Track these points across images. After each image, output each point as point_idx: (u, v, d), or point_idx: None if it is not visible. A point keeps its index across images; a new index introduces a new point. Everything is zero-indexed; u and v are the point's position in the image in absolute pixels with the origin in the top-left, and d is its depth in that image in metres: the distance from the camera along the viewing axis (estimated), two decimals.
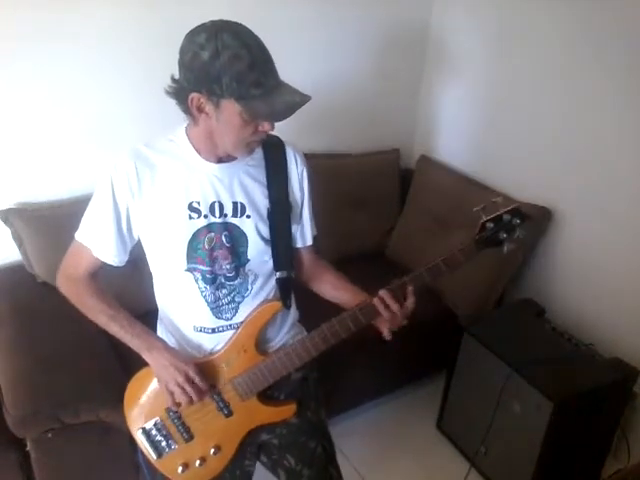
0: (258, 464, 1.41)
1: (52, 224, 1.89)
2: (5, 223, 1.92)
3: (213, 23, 1.02)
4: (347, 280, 1.36)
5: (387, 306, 1.20)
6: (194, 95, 1.04)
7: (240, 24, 1.04)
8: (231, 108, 1.03)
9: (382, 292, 1.21)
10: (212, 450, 1.28)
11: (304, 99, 1.03)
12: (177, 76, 1.08)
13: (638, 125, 1.91)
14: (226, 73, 0.99)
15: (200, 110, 1.07)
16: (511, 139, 2.38)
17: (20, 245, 1.93)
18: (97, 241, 1.20)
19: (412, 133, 2.84)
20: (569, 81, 2.10)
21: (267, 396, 1.29)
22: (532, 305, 2.17)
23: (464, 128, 2.59)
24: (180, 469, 1.28)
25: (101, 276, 1.26)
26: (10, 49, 1.78)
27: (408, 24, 2.56)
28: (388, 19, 2.48)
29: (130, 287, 1.88)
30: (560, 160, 2.19)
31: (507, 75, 2.34)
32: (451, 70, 2.59)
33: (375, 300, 1.20)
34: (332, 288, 1.36)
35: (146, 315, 1.31)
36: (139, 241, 1.23)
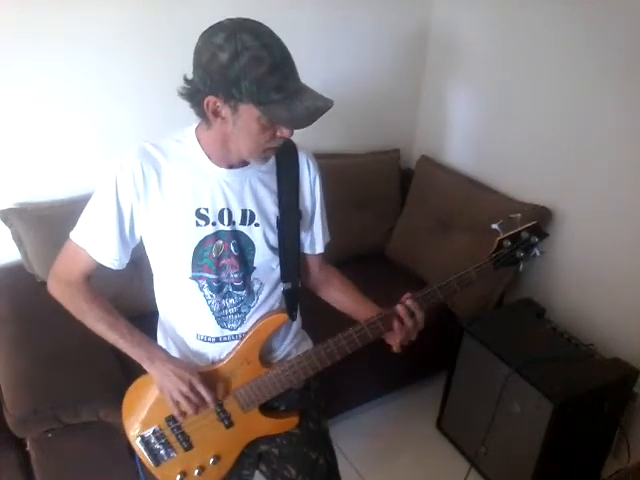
0: (257, 473, 1.40)
1: (52, 224, 1.89)
2: (5, 223, 1.92)
3: (232, 22, 0.97)
4: (356, 289, 1.33)
5: (413, 315, 1.16)
6: (210, 98, 0.99)
7: (260, 23, 0.98)
8: (249, 113, 0.98)
9: (409, 302, 1.16)
10: (211, 460, 1.27)
11: (327, 104, 0.98)
12: (190, 76, 1.02)
13: (638, 125, 1.91)
14: (246, 76, 0.93)
15: (216, 114, 1.02)
16: (511, 139, 2.38)
17: (20, 245, 1.93)
18: (96, 243, 1.14)
19: (412, 133, 2.84)
20: (569, 81, 2.10)
21: (268, 407, 1.27)
22: (532, 305, 2.17)
23: (465, 128, 2.59)
24: (178, 477, 1.27)
25: (96, 279, 1.21)
26: (10, 49, 1.78)
27: (409, 24, 2.56)
28: (389, 19, 2.48)
29: (130, 288, 1.88)
30: (560, 160, 2.19)
31: (507, 75, 2.34)
32: (451, 70, 2.59)
33: (400, 309, 1.16)
34: (340, 296, 1.33)
35: (145, 317, 1.30)
36: (141, 241, 1.19)
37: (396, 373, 2.29)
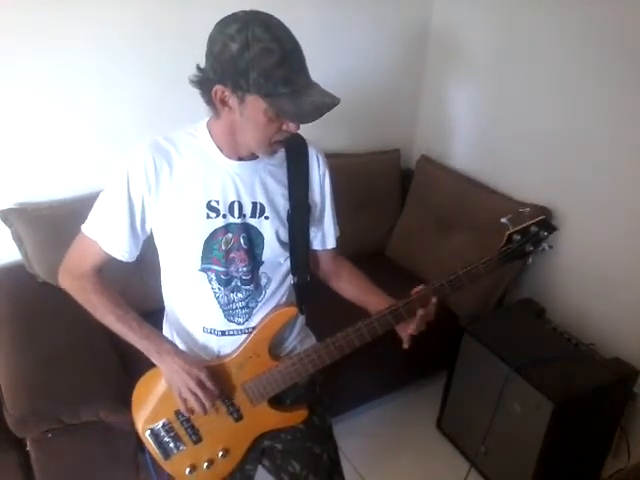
0: (260, 468, 1.40)
1: (52, 224, 1.89)
2: (5, 223, 1.92)
3: (246, 14, 0.98)
4: (367, 281, 1.33)
5: (426, 304, 1.16)
6: (218, 87, 1.00)
7: (273, 17, 0.99)
8: (256, 104, 0.99)
9: (419, 288, 1.17)
10: (220, 453, 1.27)
11: (334, 101, 0.98)
12: (202, 66, 1.03)
13: (638, 124, 1.91)
14: (254, 68, 0.94)
15: (224, 103, 1.02)
16: (511, 139, 2.38)
17: (20, 245, 1.93)
18: (107, 235, 1.14)
19: (412, 133, 2.84)
20: (570, 81, 2.10)
21: (276, 401, 1.27)
22: (532, 305, 2.17)
23: (465, 128, 2.59)
24: (187, 470, 1.27)
25: (106, 272, 1.22)
26: (10, 48, 1.78)
27: (409, 23, 2.56)
28: (389, 19, 2.48)
29: (132, 285, 1.88)
30: (560, 160, 2.19)
31: (507, 75, 2.34)
32: (451, 70, 2.59)
33: (412, 300, 1.17)
34: (353, 288, 1.34)
35: (147, 315, 1.28)
36: (149, 235, 1.19)
37: (396, 373, 2.29)
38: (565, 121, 2.14)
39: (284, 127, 1.04)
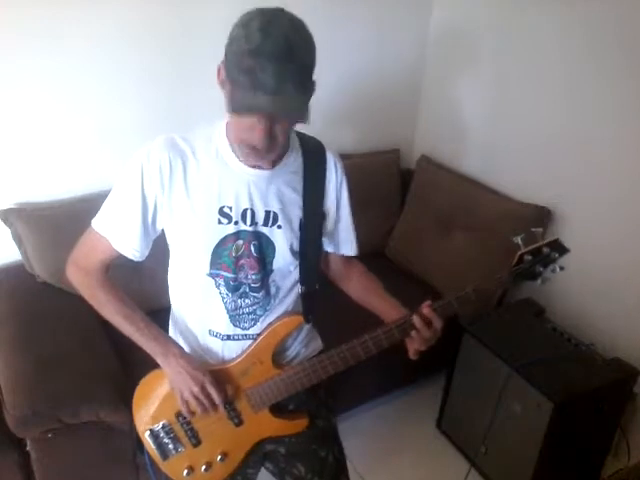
0: (263, 470, 1.39)
1: (52, 224, 1.89)
2: (5, 223, 1.92)
3: (268, 9, 0.94)
4: (378, 286, 1.32)
5: (430, 324, 1.14)
6: (220, 65, 0.98)
7: (291, 20, 0.95)
8: (227, 87, 0.96)
9: (426, 311, 1.15)
10: (219, 456, 1.27)
11: (275, 111, 0.92)
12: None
13: (638, 126, 1.91)
14: (231, 47, 0.93)
15: (222, 84, 0.99)
16: (511, 139, 2.38)
17: (20, 245, 1.93)
18: (119, 232, 1.13)
19: (412, 133, 2.84)
20: (570, 81, 2.10)
21: (278, 406, 1.27)
22: (532, 305, 2.17)
23: (465, 128, 2.59)
24: (185, 472, 1.27)
25: (113, 270, 1.20)
26: (11, 48, 1.78)
27: (409, 24, 2.56)
28: (388, 19, 2.48)
29: (129, 290, 1.87)
30: (560, 160, 2.18)
31: (507, 75, 2.34)
32: (451, 70, 2.59)
33: (415, 318, 1.14)
34: (361, 288, 1.33)
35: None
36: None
37: (396, 373, 2.28)
38: (566, 121, 2.14)
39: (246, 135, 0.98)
